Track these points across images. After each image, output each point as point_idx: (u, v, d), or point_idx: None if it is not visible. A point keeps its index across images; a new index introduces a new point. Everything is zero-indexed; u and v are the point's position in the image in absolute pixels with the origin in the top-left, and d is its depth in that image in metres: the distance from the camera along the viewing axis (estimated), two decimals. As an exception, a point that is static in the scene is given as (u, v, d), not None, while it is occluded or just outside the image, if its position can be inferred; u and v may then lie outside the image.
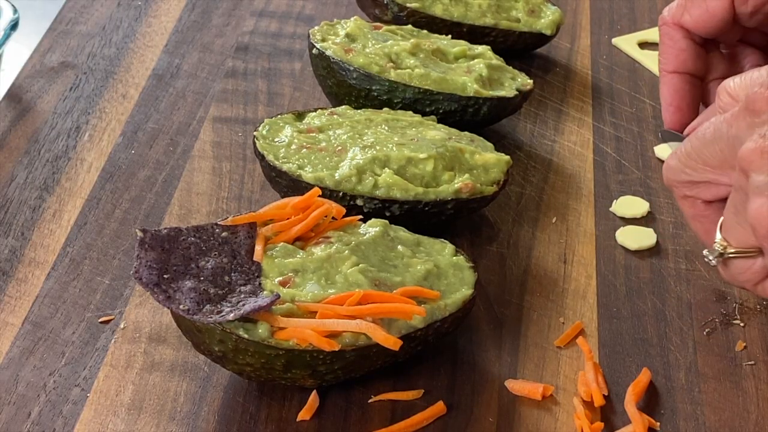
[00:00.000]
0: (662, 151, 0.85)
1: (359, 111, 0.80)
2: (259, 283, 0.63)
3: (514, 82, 0.85)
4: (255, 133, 0.76)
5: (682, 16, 0.76)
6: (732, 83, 0.65)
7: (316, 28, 0.86)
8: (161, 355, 0.67)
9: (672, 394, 0.66)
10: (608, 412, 0.64)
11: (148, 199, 0.79)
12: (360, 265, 0.65)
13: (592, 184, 0.82)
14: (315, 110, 0.80)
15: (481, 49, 0.87)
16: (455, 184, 0.73)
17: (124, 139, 0.85)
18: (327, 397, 0.64)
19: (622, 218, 0.79)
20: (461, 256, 0.69)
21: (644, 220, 0.79)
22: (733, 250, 0.64)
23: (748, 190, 0.60)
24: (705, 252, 0.65)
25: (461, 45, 0.87)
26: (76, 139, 0.85)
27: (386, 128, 0.77)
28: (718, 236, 0.64)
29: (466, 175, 0.74)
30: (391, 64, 0.82)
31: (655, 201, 0.81)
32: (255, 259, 0.65)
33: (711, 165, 0.64)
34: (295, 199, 0.68)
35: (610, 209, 0.80)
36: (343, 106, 0.81)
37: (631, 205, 0.80)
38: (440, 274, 0.67)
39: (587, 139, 0.86)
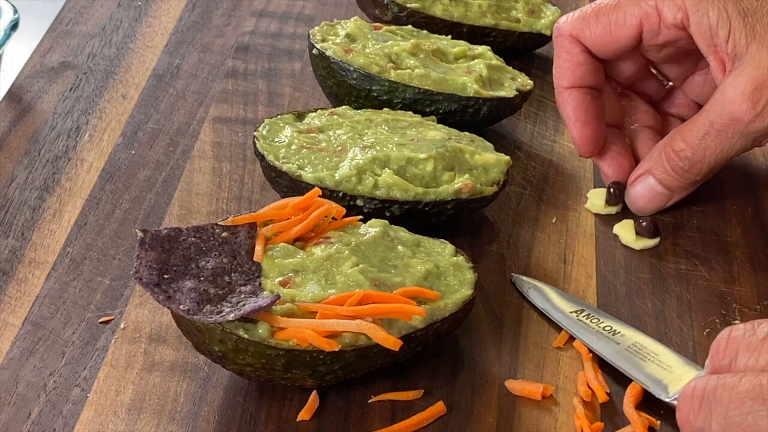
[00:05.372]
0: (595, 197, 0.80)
1: (359, 111, 0.80)
2: (259, 284, 0.63)
3: (514, 82, 0.85)
4: (255, 133, 0.76)
5: (582, 31, 0.75)
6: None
7: (316, 28, 0.86)
8: (161, 355, 0.67)
9: (672, 395, 0.66)
10: (608, 412, 0.64)
11: (148, 199, 0.79)
12: (360, 266, 0.64)
13: (592, 184, 0.82)
14: (315, 110, 0.80)
15: (481, 49, 0.87)
16: (455, 185, 0.73)
17: (124, 140, 0.85)
18: (327, 397, 0.64)
19: (598, 215, 0.79)
20: (461, 256, 0.69)
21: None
22: None
23: None
24: None
25: (461, 45, 0.87)
26: (76, 140, 0.85)
27: (386, 128, 0.77)
28: None
29: (466, 176, 0.74)
30: (391, 64, 0.82)
31: (655, 201, 0.81)
32: (255, 259, 0.65)
33: None
34: (295, 200, 0.68)
35: (585, 206, 0.79)
36: (343, 107, 0.81)
37: (603, 198, 0.79)
38: (440, 275, 0.67)
39: (587, 140, 0.86)
